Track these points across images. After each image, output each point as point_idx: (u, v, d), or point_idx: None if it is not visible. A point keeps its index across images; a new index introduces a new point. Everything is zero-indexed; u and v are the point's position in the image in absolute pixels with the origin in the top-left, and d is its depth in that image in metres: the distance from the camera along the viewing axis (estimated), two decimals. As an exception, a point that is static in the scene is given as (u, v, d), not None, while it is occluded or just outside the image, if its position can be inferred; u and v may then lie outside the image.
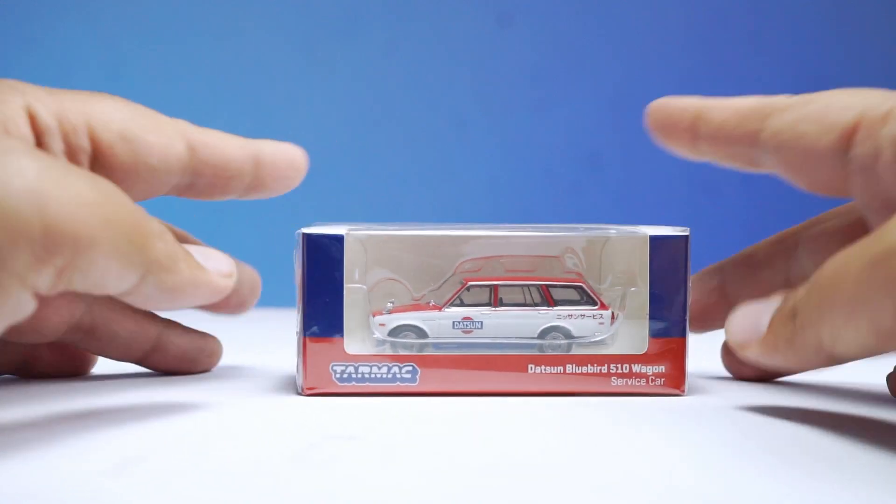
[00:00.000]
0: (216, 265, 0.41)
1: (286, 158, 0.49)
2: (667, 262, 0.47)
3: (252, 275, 0.51)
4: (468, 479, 0.33)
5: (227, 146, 0.47)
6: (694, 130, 0.46)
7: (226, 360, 0.56)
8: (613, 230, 0.48)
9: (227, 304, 0.51)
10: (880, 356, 0.36)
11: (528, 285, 0.48)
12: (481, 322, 0.48)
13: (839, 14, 2.30)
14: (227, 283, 0.41)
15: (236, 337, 0.74)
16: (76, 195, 0.35)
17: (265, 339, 0.70)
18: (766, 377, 0.52)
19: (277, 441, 0.39)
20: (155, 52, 2.11)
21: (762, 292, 0.43)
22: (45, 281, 0.34)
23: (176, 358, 0.52)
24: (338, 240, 0.46)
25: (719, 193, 2.29)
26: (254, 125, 2.15)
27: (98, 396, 0.46)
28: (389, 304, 0.48)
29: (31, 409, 0.43)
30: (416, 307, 0.48)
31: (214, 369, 0.54)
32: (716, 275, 0.52)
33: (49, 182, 0.34)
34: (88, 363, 0.52)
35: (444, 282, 0.49)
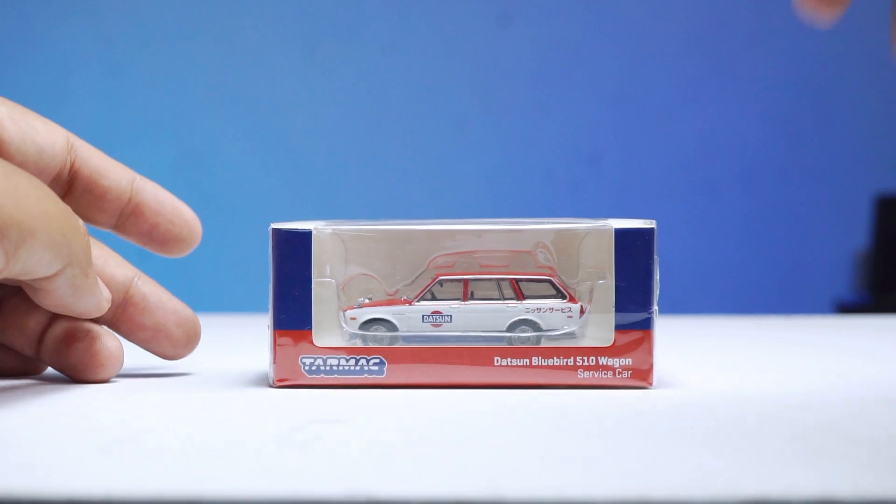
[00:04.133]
0: (104, 289, 0.46)
1: (173, 206, 0.51)
2: (633, 254, 0.47)
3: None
4: (446, 462, 0.33)
5: (104, 156, 0.50)
6: None
7: (204, 359, 0.56)
8: (582, 224, 0.48)
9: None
10: None
11: (498, 279, 0.48)
12: (451, 316, 0.48)
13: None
14: (106, 306, 0.46)
15: (222, 339, 0.74)
16: (18, 188, 0.39)
17: (246, 341, 0.71)
18: None
19: (254, 426, 0.40)
20: (155, 52, 2.12)
21: None
22: None
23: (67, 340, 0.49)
24: (306, 235, 0.47)
25: (719, 193, 2.29)
26: (254, 125, 2.16)
27: (79, 391, 0.47)
28: (363, 300, 0.49)
29: (27, 399, 0.44)
30: (388, 302, 0.49)
31: (189, 366, 0.54)
32: None
33: None
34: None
35: (418, 277, 0.49)
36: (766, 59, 2.29)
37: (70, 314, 0.46)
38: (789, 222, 2.30)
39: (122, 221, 0.51)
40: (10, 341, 0.49)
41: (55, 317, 0.48)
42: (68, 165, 0.49)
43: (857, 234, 2.30)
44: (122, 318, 0.49)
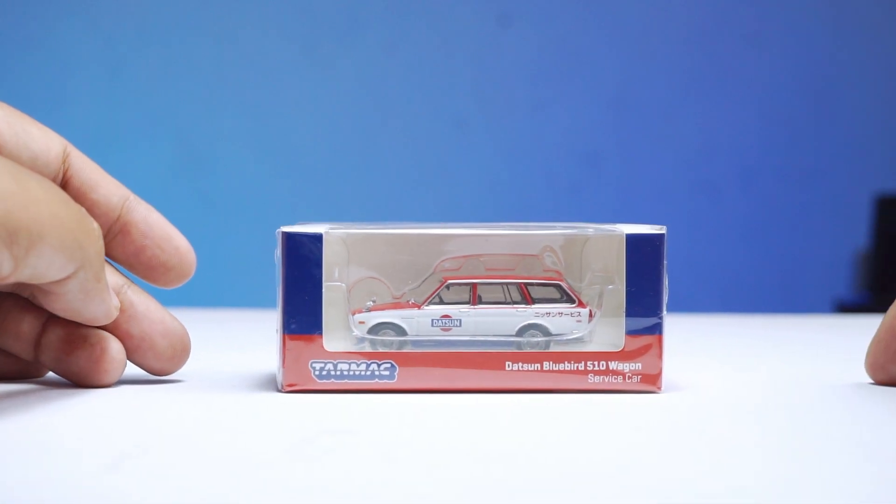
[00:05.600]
0: (113, 296, 0.46)
1: (163, 230, 0.49)
2: (643, 260, 0.47)
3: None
4: (460, 471, 0.33)
5: (98, 170, 0.49)
6: None
7: (210, 358, 0.56)
8: (591, 229, 0.48)
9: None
10: None
11: (506, 283, 0.48)
12: (460, 320, 0.48)
13: (839, 14, 2.30)
14: (115, 313, 0.46)
15: (224, 336, 0.74)
16: (29, 191, 0.39)
17: (250, 337, 0.71)
18: None
19: (265, 436, 0.39)
20: (155, 52, 2.12)
21: None
22: (5, 266, 0.38)
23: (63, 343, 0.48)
24: (316, 238, 0.47)
25: (719, 193, 2.29)
26: (254, 125, 2.16)
27: (88, 397, 0.47)
28: (369, 303, 0.48)
29: (28, 408, 0.44)
30: (396, 305, 0.48)
31: (199, 368, 0.53)
32: None
33: (7, 179, 0.38)
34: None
35: (424, 280, 0.49)
36: (766, 59, 2.29)
37: (79, 320, 0.45)
38: (789, 222, 2.30)
39: (109, 240, 0.49)
40: (6, 346, 0.49)
41: (50, 321, 0.48)
42: (61, 174, 0.48)
43: (857, 234, 2.30)
44: (107, 325, 0.48)
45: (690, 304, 2.05)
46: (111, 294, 0.45)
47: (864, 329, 0.86)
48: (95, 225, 0.43)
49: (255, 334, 0.72)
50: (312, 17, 2.16)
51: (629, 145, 2.27)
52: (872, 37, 2.31)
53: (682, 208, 2.26)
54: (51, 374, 0.50)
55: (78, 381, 0.48)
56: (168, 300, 0.50)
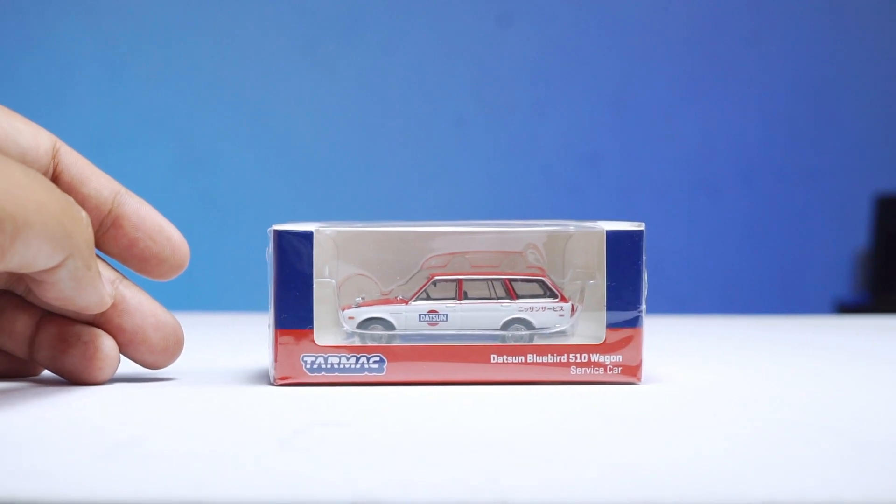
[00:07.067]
0: (107, 284, 0.46)
1: (155, 222, 0.49)
2: (623, 255, 0.48)
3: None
4: (447, 461, 0.34)
5: (89, 165, 0.49)
6: None
7: (205, 359, 0.57)
8: (573, 226, 0.49)
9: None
10: None
11: (491, 279, 0.50)
12: (446, 315, 0.49)
13: (839, 14, 2.30)
14: (109, 301, 0.46)
15: (221, 339, 0.75)
16: (12, 179, 0.39)
17: (246, 339, 0.71)
18: None
19: (258, 427, 0.40)
20: (155, 52, 2.13)
21: None
22: None
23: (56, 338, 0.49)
24: (306, 236, 0.48)
25: (719, 193, 2.29)
26: (254, 125, 2.16)
27: (82, 394, 0.48)
28: (359, 299, 0.49)
29: (24, 405, 0.45)
30: (385, 301, 0.50)
31: (193, 366, 0.54)
32: None
33: None
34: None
35: (412, 277, 0.50)
36: (766, 59, 2.29)
37: (72, 308, 0.46)
38: (789, 222, 2.30)
39: (102, 234, 0.49)
40: (1, 344, 0.49)
41: (44, 319, 0.48)
42: (51, 170, 0.48)
43: (857, 234, 2.30)
44: (99, 320, 0.48)
45: (690, 304, 2.05)
46: (104, 282, 0.46)
47: (864, 329, 0.86)
48: (83, 213, 0.43)
49: (254, 336, 0.73)
50: (312, 17, 2.16)
51: (629, 145, 2.28)
52: (872, 37, 2.32)
53: (682, 208, 2.27)
54: (46, 372, 0.51)
55: (72, 378, 0.48)
56: (169, 302, 0.51)
